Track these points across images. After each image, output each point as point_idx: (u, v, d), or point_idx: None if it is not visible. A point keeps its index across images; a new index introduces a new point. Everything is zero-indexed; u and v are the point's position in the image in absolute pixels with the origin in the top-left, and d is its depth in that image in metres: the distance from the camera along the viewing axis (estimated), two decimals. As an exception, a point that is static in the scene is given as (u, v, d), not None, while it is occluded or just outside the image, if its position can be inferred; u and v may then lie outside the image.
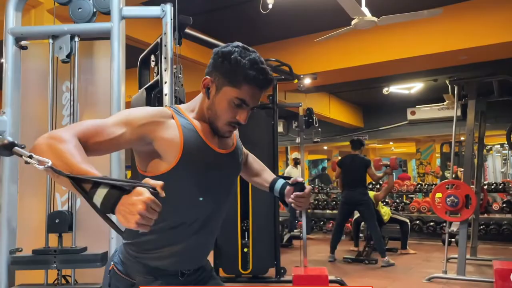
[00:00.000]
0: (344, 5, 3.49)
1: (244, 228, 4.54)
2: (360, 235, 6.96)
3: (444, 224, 5.41)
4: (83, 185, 0.89)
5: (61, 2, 2.61)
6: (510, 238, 6.99)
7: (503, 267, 3.76)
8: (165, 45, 2.65)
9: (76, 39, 2.60)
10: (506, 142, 5.82)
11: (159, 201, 0.89)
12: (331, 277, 4.11)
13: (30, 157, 0.91)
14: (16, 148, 0.92)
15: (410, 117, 9.18)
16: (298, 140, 5.34)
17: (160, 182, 0.91)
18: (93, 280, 2.53)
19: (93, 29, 2.62)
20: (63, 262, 2.40)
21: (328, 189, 9.85)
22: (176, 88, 2.80)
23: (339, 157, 15.38)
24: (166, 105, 1.35)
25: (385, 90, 8.32)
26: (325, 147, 14.42)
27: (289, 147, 10.76)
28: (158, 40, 3.17)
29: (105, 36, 2.61)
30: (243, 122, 1.22)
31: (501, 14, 4.97)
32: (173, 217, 1.21)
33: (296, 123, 5.10)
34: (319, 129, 5.49)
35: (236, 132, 1.40)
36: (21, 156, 0.92)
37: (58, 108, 2.65)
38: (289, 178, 1.46)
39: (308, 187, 1.38)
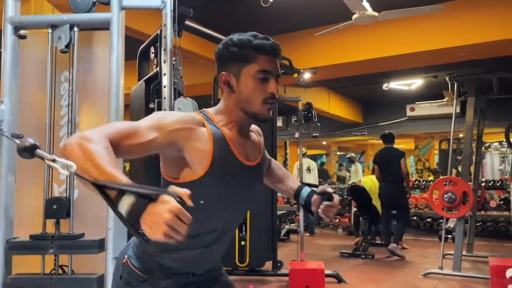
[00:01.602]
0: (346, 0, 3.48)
1: (241, 221, 4.55)
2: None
3: (441, 221, 5.42)
4: (108, 191, 0.85)
5: (60, -9, 2.59)
6: (506, 235, 7.03)
7: (498, 264, 3.78)
8: (164, 37, 2.63)
9: (75, 29, 2.59)
10: (504, 140, 5.84)
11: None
12: (327, 271, 4.13)
13: (54, 160, 0.87)
14: (38, 150, 0.88)
15: (409, 113, 9.18)
16: (297, 135, 5.34)
17: (187, 191, 0.86)
18: (90, 270, 2.54)
19: (93, 19, 2.61)
20: (60, 247, 2.41)
21: (327, 184, 9.88)
22: (175, 80, 2.79)
23: (337, 153, 15.30)
24: (196, 111, 1.31)
25: (384, 86, 8.31)
26: (324, 142, 14.43)
27: (288, 142, 10.74)
28: (158, 31, 3.16)
29: (105, 26, 2.59)
30: (276, 92, 1.20)
31: (501, 11, 4.95)
32: (192, 226, 1.19)
33: (296, 117, 5.10)
34: (318, 124, 5.49)
35: (261, 141, 1.39)
36: (43, 159, 0.88)
37: (56, 98, 2.64)
38: (314, 185, 1.43)
39: (336, 197, 1.34)
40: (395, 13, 3.77)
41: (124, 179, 0.87)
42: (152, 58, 3.58)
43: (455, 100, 5.65)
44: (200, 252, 1.24)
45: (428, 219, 7.63)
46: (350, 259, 5.76)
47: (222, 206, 1.21)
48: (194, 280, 1.28)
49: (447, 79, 5.87)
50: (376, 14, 3.70)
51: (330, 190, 1.35)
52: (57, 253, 2.42)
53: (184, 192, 0.85)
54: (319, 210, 1.34)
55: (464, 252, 5.22)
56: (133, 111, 3.56)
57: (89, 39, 2.73)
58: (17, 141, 0.89)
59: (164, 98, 2.63)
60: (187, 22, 3.44)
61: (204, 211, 1.17)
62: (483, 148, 8.03)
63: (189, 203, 0.85)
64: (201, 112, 1.23)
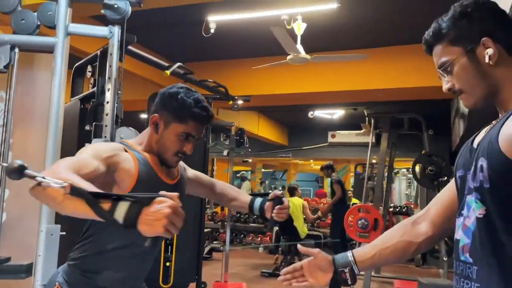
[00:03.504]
0: (281, 42, 3.77)
1: (168, 242, 4.57)
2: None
3: (354, 242, 5.90)
4: (100, 204, 0.91)
5: (3, 11, 2.54)
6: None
7: (402, 287, 4.23)
8: (110, 66, 2.66)
9: (16, 50, 2.54)
10: (411, 167, 6.55)
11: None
12: (250, 293, 4.30)
13: (44, 177, 0.92)
14: (28, 171, 0.92)
15: (330, 139, 9.77)
16: (225, 152, 5.58)
17: (176, 194, 0.95)
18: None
19: (36, 42, 2.57)
20: (-16, 272, 2.31)
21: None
22: (116, 104, 2.83)
23: (261, 170, 15.67)
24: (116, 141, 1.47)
25: (310, 114, 8.86)
26: (250, 160, 14.78)
27: (215, 159, 10.88)
28: (98, 52, 3.18)
29: (48, 50, 2.58)
30: (189, 152, 1.39)
31: (417, 61, 5.59)
32: (119, 240, 1.33)
33: (225, 135, 5.33)
34: (249, 150, 5.73)
35: (181, 164, 1.54)
36: (34, 178, 0.92)
37: (-10, 118, 2.56)
38: (264, 194, 1.59)
39: (285, 199, 1.54)
40: (325, 58, 4.15)
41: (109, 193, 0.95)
42: (88, 76, 3.56)
43: (371, 133, 6.25)
44: (128, 266, 1.37)
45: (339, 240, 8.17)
46: (270, 278, 6.00)
47: None
48: None
49: (365, 114, 6.47)
50: (308, 57, 4.05)
51: (279, 193, 1.55)
52: (-20, 278, 2.33)
53: (174, 194, 0.94)
54: (273, 215, 1.51)
55: (373, 273, 5.73)
56: (65, 129, 3.49)
57: (30, 60, 2.69)
58: (4, 164, 0.95)
59: (106, 126, 2.66)
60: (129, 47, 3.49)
61: None
62: (392, 173, 8.83)
63: (179, 203, 0.93)
64: (121, 143, 1.40)
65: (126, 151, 1.34)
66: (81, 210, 0.92)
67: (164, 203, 0.90)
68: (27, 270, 2.38)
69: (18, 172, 0.91)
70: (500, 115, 0.97)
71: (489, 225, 0.87)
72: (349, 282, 1.16)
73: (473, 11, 0.96)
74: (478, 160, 0.89)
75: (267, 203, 1.55)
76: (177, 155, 1.37)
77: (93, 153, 1.23)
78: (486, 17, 0.96)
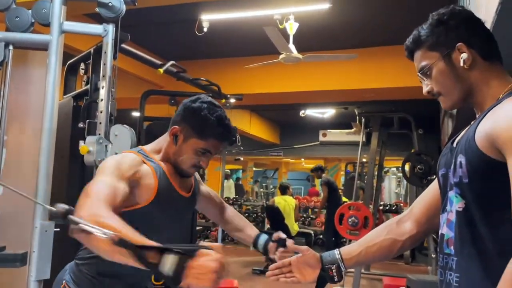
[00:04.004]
0: (274, 41, 3.81)
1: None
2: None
3: (344, 240, 5.97)
4: (147, 256, 0.89)
5: (-2, 8, 2.54)
6: (399, 255, 7.84)
7: (391, 283, 4.31)
8: (104, 64, 2.68)
9: (10, 47, 2.55)
10: (401, 165, 6.63)
11: None
12: (241, 290, 4.34)
13: (88, 225, 0.91)
14: (71, 216, 0.92)
15: (321, 138, 9.82)
16: None
17: (219, 244, 0.94)
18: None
19: (30, 39, 2.58)
20: (-21, 260, 2.32)
21: (242, 200, 10.18)
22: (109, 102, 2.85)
23: (253, 168, 15.60)
24: (131, 150, 1.46)
25: (301, 113, 8.92)
26: (241, 158, 14.83)
27: (207, 157, 10.93)
28: (92, 50, 3.20)
29: (42, 47, 2.59)
30: (205, 167, 1.40)
31: (406, 62, 5.68)
32: None
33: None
34: (241, 148, 5.77)
35: (195, 175, 1.55)
36: (77, 224, 0.91)
37: (-16, 115, 2.56)
38: (271, 233, 1.55)
39: (290, 241, 1.44)
40: (317, 57, 4.20)
41: (153, 243, 0.93)
42: (81, 74, 3.57)
43: (362, 132, 6.32)
44: (138, 273, 1.38)
45: (333, 238, 8.24)
46: (262, 276, 6.03)
47: (158, 233, 1.37)
48: None
49: (356, 113, 6.55)
50: (300, 56, 4.09)
51: (283, 236, 1.50)
52: (-27, 267, 2.33)
53: (217, 245, 0.94)
54: (276, 258, 1.46)
55: (363, 270, 5.80)
56: (58, 126, 3.50)
57: (24, 57, 2.70)
58: (53, 208, 0.94)
59: (100, 123, 2.68)
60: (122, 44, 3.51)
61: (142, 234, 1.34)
62: (382, 172, 8.94)
63: (223, 254, 0.93)
64: (138, 151, 1.38)
65: (144, 162, 1.33)
66: (126, 260, 0.91)
67: (211, 257, 0.90)
68: (22, 259, 2.39)
69: (62, 217, 0.93)
70: (477, 116, 1.02)
71: (468, 218, 0.93)
72: (336, 279, 1.20)
73: (449, 19, 1.03)
74: (457, 157, 0.95)
75: (271, 244, 1.51)
76: (194, 166, 1.38)
77: (117, 174, 1.21)
78: (461, 25, 1.02)
